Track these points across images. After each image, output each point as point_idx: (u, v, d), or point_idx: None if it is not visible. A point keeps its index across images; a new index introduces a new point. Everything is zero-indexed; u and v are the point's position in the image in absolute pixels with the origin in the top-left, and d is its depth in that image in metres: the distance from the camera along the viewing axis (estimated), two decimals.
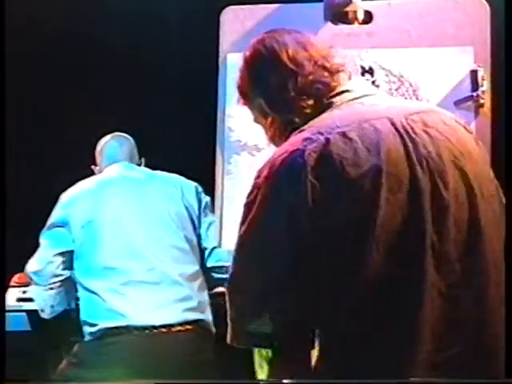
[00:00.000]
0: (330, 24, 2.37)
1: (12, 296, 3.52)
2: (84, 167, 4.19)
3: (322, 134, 1.62)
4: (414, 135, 1.64)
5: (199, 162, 3.10)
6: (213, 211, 2.80)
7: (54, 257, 2.91)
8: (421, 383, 1.55)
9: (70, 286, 2.97)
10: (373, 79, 2.34)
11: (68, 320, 3.11)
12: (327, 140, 1.60)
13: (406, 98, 2.31)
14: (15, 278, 3.61)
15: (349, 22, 2.37)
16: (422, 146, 1.63)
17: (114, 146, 3.18)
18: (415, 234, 1.58)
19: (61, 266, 2.92)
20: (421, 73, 2.31)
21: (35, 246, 3.46)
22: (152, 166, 3.20)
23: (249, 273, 1.61)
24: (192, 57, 4.02)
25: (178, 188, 2.99)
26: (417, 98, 2.32)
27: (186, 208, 2.95)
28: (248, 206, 1.64)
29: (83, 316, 2.85)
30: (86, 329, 2.82)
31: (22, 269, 3.62)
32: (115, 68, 4.22)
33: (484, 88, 2.26)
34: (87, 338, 2.82)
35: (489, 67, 2.28)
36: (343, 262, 1.55)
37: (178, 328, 2.76)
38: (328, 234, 1.56)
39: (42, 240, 2.95)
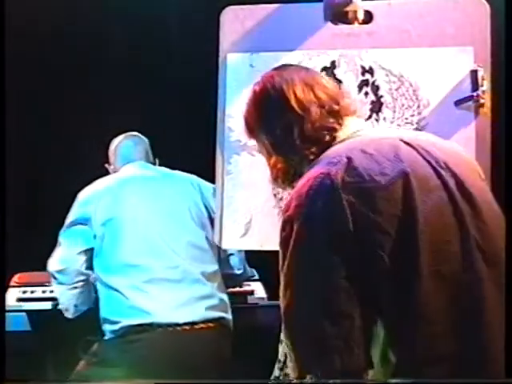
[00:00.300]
0: (330, 24, 2.37)
1: (12, 296, 3.53)
2: (84, 167, 4.20)
3: (341, 155, 1.64)
4: (426, 148, 1.69)
5: (199, 161, 3.10)
6: None
7: (77, 255, 2.92)
8: (421, 383, 1.55)
9: (92, 285, 2.97)
10: (373, 79, 2.34)
11: (84, 319, 3.11)
12: (349, 158, 1.62)
13: (406, 98, 2.31)
14: (15, 278, 3.62)
15: (349, 22, 2.37)
16: (437, 156, 1.68)
17: (129, 146, 3.20)
18: (459, 230, 1.60)
19: (84, 265, 2.93)
20: (421, 73, 2.31)
21: (35, 246, 3.46)
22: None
23: (305, 312, 1.59)
24: (192, 57, 4.02)
25: (197, 188, 3.02)
26: (417, 98, 2.32)
27: (206, 208, 2.98)
28: (284, 244, 1.62)
29: (104, 313, 2.84)
30: (107, 327, 2.82)
31: (22, 269, 3.63)
32: (115, 68, 4.23)
33: (484, 88, 2.26)
34: (108, 336, 2.82)
35: (489, 67, 2.28)
36: (398, 270, 1.55)
37: (201, 326, 2.78)
38: (376, 247, 1.56)
39: (63, 239, 2.95)
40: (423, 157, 1.66)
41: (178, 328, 2.74)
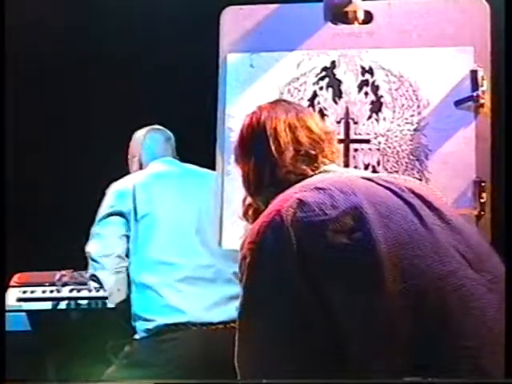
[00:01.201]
0: (329, 24, 2.37)
1: (12, 296, 3.52)
2: (84, 167, 4.20)
3: (295, 192, 1.66)
4: (385, 179, 1.70)
5: (199, 162, 3.10)
6: None
7: (118, 240, 2.90)
8: (421, 383, 1.55)
9: (129, 274, 2.94)
10: (373, 79, 2.34)
11: (84, 319, 3.11)
12: (302, 195, 1.63)
13: (406, 98, 2.31)
14: (15, 278, 3.62)
15: (349, 22, 2.37)
16: (398, 183, 1.69)
17: (156, 140, 3.20)
18: (430, 241, 1.59)
19: (125, 251, 2.91)
20: (421, 73, 2.31)
21: (35, 246, 3.46)
22: None
23: (255, 344, 1.64)
24: (192, 57, 4.01)
25: None
26: (417, 98, 2.31)
27: None
28: (240, 279, 1.66)
29: (137, 310, 2.83)
30: (141, 324, 2.81)
31: (22, 269, 3.63)
32: (115, 68, 4.22)
33: (484, 88, 2.26)
34: (141, 334, 2.81)
35: (489, 67, 2.28)
36: (358, 302, 1.55)
37: (233, 325, 2.78)
38: (330, 279, 1.55)
39: (100, 228, 2.93)
40: (381, 185, 1.67)
41: (212, 327, 2.75)
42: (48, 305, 3.48)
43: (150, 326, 2.77)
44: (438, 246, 1.58)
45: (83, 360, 3.13)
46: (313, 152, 1.78)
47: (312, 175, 1.77)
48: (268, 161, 1.77)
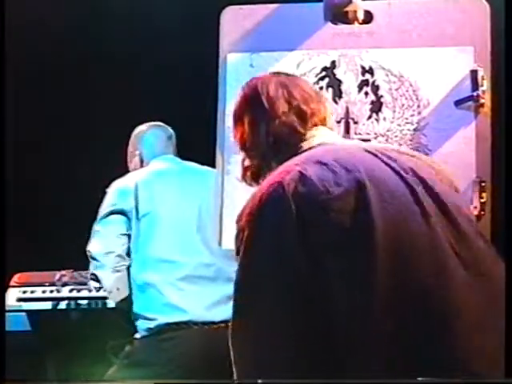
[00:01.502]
0: (329, 24, 2.37)
1: (12, 296, 3.52)
2: (84, 167, 4.20)
3: (297, 164, 1.63)
4: (388, 155, 1.68)
5: (199, 162, 3.10)
6: None
7: (118, 238, 2.90)
8: (420, 383, 1.55)
9: (129, 272, 2.94)
10: (373, 79, 2.34)
11: (84, 319, 3.11)
12: (304, 168, 1.61)
13: (406, 98, 2.31)
14: (15, 278, 3.61)
15: (349, 22, 2.37)
16: (402, 163, 1.67)
17: (158, 136, 3.19)
18: (428, 235, 1.57)
19: (125, 250, 2.91)
20: (421, 73, 2.31)
21: (35, 246, 3.46)
22: None
23: (253, 320, 1.59)
24: (192, 57, 4.01)
25: None
26: (417, 98, 2.31)
27: None
28: (237, 251, 1.64)
29: (138, 309, 2.83)
30: (142, 323, 2.81)
31: (22, 269, 3.63)
32: (115, 68, 4.22)
33: (484, 88, 2.26)
34: (142, 333, 2.80)
35: (489, 67, 2.28)
36: (352, 282, 1.53)
37: None
38: (324, 259, 1.53)
39: (101, 226, 2.93)
40: (385, 163, 1.65)
41: (214, 326, 2.75)
42: (48, 305, 3.48)
43: (152, 324, 2.76)
44: (435, 243, 1.56)
45: (83, 360, 3.13)
46: (304, 107, 1.79)
47: (304, 134, 1.76)
48: (261, 115, 1.78)
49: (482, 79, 2.26)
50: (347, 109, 2.32)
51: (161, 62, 4.24)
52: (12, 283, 3.58)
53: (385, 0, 2.37)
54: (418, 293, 1.53)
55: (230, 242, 2.38)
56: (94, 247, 2.92)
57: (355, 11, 2.36)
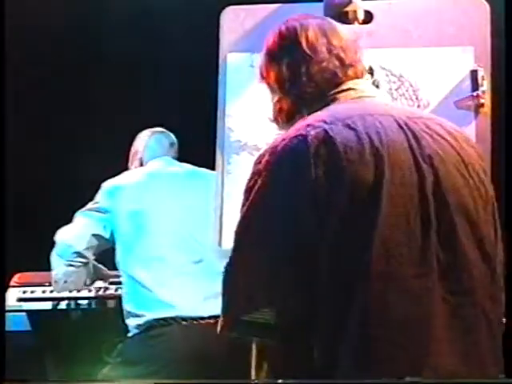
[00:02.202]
0: None
1: (12, 296, 3.52)
2: (84, 167, 4.20)
3: (325, 122, 1.62)
4: (417, 133, 1.65)
5: (199, 161, 3.10)
6: None
7: (88, 237, 2.92)
8: (420, 383, 1.55)
9: (88, 271, 2.97)
10: (373, 79, 2.34)
11: (85, 319, 3.11)
12: (330, 128, 1.60)
13: (406, 98, 2.31)
14: (15, 278, 3.61)
15: (349, 22, 2.36)
16: (426, 145, 1.64)
17: (159, 141, 3.21)
18: (421, 228, 1.57)
19: (90, 249, 2.93)
20: (421, 73, 2.31)
21: (35, 246, 3.45)
22: None
23: (248, 260, 1.60)
24: (192, 57, 4.01)
25: None
26: (417, 98, 2.31)
27: None
28: (248, 192, 1.64)
29: (129, 307, 2.85)
30: (132, 321, 2.82)
31: (22, 269, 3.62)
32: (114, 68, 4.22)
33: (484, 88, 2.26)
34: (133, 331, 2.82)
35: (489, 67, 2.28)
36: (347, 254, 1.54)
37: None
38: (331, 223, 1.55)
39: (81, 217, 2.97)
40: (410, 145, 1.62)
41: (203, 322, 2.75)
42: (48, 305, 3.47)
43: (141, 321, 2.78)
44: (423, 246, 1.57)
45: (83, 360, 3.13)
46: (343, 56, 1.77)
47: (343, 83, 1.75)
48: (302, 59, 1.76)
49: (482, 79, 2.26)
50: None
51: (161, 62, 4.25)
52: (12, 283, 3.58)
53: (385, 0, 2.37)
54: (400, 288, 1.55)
55: (230, 242, 2.38)
56: (60, 234, 2.97)
57: (355, 11, 2.36)
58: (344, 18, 2.37)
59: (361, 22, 2.37)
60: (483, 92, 2.25)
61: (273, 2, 2.43)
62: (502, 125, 2.32)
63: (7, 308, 3.36)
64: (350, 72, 1.77)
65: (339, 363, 1.53)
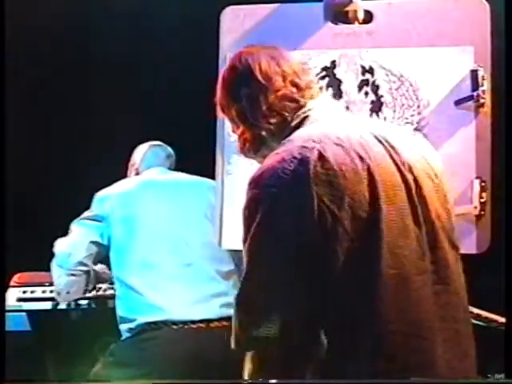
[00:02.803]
0: (329, 24, 2.37)
1: (12, 296, 3.52)
2: (84, 168, 4.20)
3: (315, 141, 1.66)
4: (393, 144, 1.73)
5: (199, 162, 3.10)
6: None
7: (86, 245, 2.94)
8: (421, 383, 1.56)
9: (89, 279, 2.99)
10: (373, 79, 2.34)
11: (85, 319, 3.12)
12: (323, 148, 1.65)
13: (406, 98, 2.31)
14: (15, 278, 3.61)
15: (349, 22, 2.37)
16: (402, 155, 1.72)
17: (155, 153, 3.24)
18: (415, 235, 1.66)
19: (89, 257, 2.95)
20: (421, 73, 2.31)
21: (35, 246, 3.45)
22: None
23: (258, 283, 1.63)
24: (192, 57, 4.01)
25: (213, 191, 3.03)
26: (417, 98, 2.32)
27: None
28: (250, 219, 1.65)
29: (121, 312, 2.87)
30: (124, 326, 2.84)
31: (22, 269, 3.62)
32: (114, 68, 4.22)
33: (484, 88, 2.26)
34: (125, 335, 2.83)
35: (489, 67, 2.28)
36: (353, 265, 1.60)
37: (216, 324, 2.80)
38: (338, 238, 1.59)
39: (76, 227, 2.99)
40: (390, 155, 1.70)
41: (193, 325, 2.76)
42: (48, 305, 3.47)
43: (132, 325, 2.79)
44: (416, 248, 1.66)
45: (83, 360, 3.13)
46: (298, 80, 1.81)
47: (304, 105, 1.79)
48: (259, 89, 1.80)
49: (482, 79, 2.26)
50: (347, 109, 2.32)
51: (161, 62, 4.24)
52: (12, 283, 3.58)
53: (385, 0, 2.37)
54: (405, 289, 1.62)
55: (229, 242, 2.38)
56: (59, 245, 2.98)
57: (355, 11, 2.36)
58: (344, 17, 2.37)
59: (361, 21, 2.37)
60: (483, 92, 2.25)
61: (273, 1, 2.43)
62: (502, 125, 2.31)
63: (7, 308, 3.36)
64: (308, 95, 1.81)
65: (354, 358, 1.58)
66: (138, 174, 3.23)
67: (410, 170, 1.70)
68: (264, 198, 1.64)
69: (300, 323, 1.59)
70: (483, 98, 2.25)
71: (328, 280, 1.59)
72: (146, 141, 3.31)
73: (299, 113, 1.78)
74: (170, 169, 3.24)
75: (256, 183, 1.67)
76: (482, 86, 2.25)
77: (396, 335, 1.58)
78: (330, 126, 1.73)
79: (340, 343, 1.59)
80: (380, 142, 1.71)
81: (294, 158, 1.63)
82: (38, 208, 4.28)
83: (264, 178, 1.66)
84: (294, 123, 1.77)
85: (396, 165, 1.69)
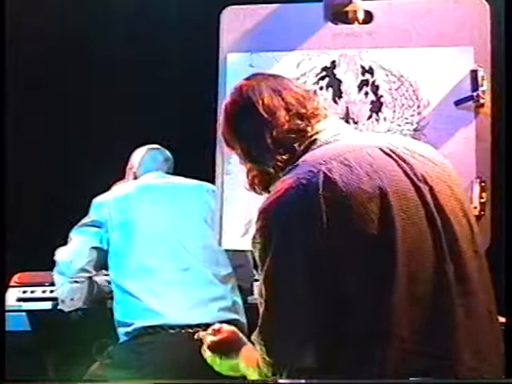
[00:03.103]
0: (330, 24, 2.37)
1: (12, 296, 3.52)
2: (84, 169, 4.20)
3: (321, 164, 1.65)
4: (403, 156, 1.70)
5: (199, 162, 3.10)
6: None
7: (86, 251, 2.95)
8: (421, 383, 1.56)
9: (93, 285, 2.99)
10: (373, 79, 2.34)
11: (85, 320, 3.12)
12: (329, 169, 1.63)
13: (406, 98, 2.31)
14: (15, 278, 3.61)
15: (349, 22, 2.37)
16: (414, 166, 1.70)
17: (154, 157, 3.23)
18: (434, 250, 1.63)
19: (90, 263, 2.95)
20: (421, 73, 2.31)
21: (35, 246, 3.45)
22: None
23: (280, 319, 1.63)
24: (192, 57, 4.02)
25: (211, 194, 3.04)
26: (417, 98, 2.32)
27: None
28: (263, 250, 1.65)
29: (118, 316, 2.87)
30: (121, 330, 2.84)
31: (22, 269, 3.63)
32: (114, 68, 4.22)
33: (484, 88, 2.26)
34: (122, 339, 2.84)
35: (489, 67, 2.28)
36: (370, 287, 1.59)
37: (213, 328, 2.79)
38: (349, 260, 1.59)
39: (76, 235, 3.00)
40: (402, 168, 1.67)
41: (191, 330, 2.75)
42: (48, 305, 3.47)
43: (129, 329, 2.80)
44: (435, 260, 1.63)
45: (83, 360, 3.13)
46: (303, 111, 1.78)
47: (311, 132, 1.76)
48: (263, 126, 1.76)
49: (482, 79, 2.26)
50: (347, 109, 2.32)
51: (160, 62, 4.25)
52: (12, 283, 3.58)
53: (385, 0, 2.37)
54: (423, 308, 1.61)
55: (229, 242, 2.38)
56: (60, 253, 3.00)
57: (355, 11, 2.36)
58: (344, 18, 2.37)
59: (361, 21, 2.37)
60: (483, 92, 2.25)
61: (273, 1, 2.43)
62: (502, 125, 2.32)
63: (7, 308, 3.36)
64: (314, 121, 1.78)
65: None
66: (136, 177, 3.23)
67: (425, 181, 1.67)
68: (274, 228, 1.63)
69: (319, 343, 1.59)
70: (483, 98, 2.25)
71: (343, 301, 1.58)
72: (146, 142, 3.31)
73: (306, 140, 1.76)
74: (168, 172, 3.24)
75: (266, 213, 1.66)
76: (482, 86, 2.25)
77: (415, 355, 1.57)
78: (336, 147, 1.71)
79: (353, 358, 1.58)
80: (390, 156, 1.69)
81: (301, 184, 1.63)
82: (38, 208, 4.28)
83: (273, 206, 1.65)
84: (301, 148, 1.75)
85: (409, 177, 1.66)
